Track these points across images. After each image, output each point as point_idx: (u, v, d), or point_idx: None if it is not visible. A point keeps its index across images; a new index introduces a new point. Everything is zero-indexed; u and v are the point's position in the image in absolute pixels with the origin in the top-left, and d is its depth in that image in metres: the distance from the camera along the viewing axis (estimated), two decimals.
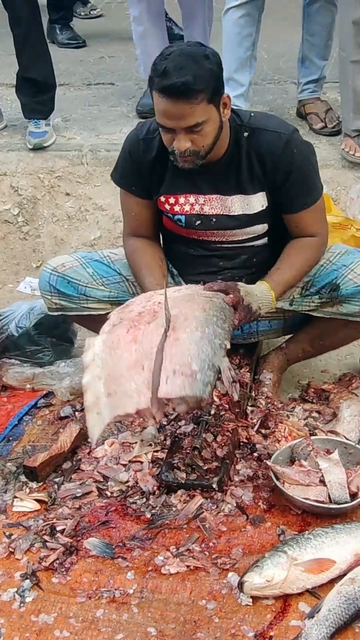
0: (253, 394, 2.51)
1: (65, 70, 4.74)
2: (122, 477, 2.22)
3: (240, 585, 1.85)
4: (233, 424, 2.30)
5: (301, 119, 3.81)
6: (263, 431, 2.35)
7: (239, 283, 2.20)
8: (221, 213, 2.33)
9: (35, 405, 2.60)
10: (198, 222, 2.35)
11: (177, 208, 2.35)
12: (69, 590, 1.90)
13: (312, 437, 2.23)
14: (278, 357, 2.62)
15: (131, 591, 1.89)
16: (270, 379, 2.57)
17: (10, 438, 2.46)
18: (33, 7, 3.62)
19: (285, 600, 1.84)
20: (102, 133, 3.89)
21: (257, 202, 2.31)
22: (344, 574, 1.85)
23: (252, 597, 1.84)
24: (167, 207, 2.37)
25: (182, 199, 2.34)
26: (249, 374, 2.54)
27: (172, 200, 2.35)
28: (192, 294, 2.10)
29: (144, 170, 2.34)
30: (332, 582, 1.85)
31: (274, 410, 2.45)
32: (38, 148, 3.75)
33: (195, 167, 2.20)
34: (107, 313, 2.14)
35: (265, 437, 2.33)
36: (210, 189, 2.32)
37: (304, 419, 2.42)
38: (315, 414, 2.45)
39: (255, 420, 2.39)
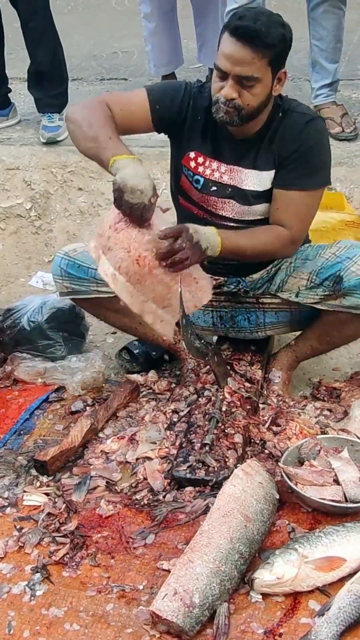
0: (264, 391, 2.51)
1: (79, 65, 4.74)
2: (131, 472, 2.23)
3: (251, 582, 1.85)
4: (244, 421, 2.30)
5: None
6: (274, 428, 2.35)
7: (187, 224, 2.17)
8: (236, 185, 2.35)
9: (46, 400, 2.60)
10: (214, 188, 2.37)
11: (200, 169, 2.37)
12: (79, 584, 1.91)
13: (318, 437, 2.22)
14: (287, 355, 2.61)
15: (141, 587, 1.89)
16: (279, 377, 2.57)
17: (22, 432, 2.47)
18: (47, 0, 3.63)
19: (295, 597, 1.84)
20: None
21: (268, 179, 2.33)
22: (355, 572, 1.84)
23: (262, 594, 1.84)
24: (193, 164, 2.38)
25: (207, 162, 2.36)
26: (260, 371, 2.54)
27: (200, 159, 2.36)
28: (240, 494, 1.97)
29: (183, 112, 2.33)
30: (343, 580, 1.85)
31: (285, 407, 2.45)
32: (51, 142, 3.76)
33: (232, 124, 2.20)
34: (116, 296, 2.13)
35: (276, 434, 2.33)
36: (233, 159, 2.33)
37: (315, 417, 2.41)
38: (326, 412, 2.44)
39: (266, 418, 2.39)
